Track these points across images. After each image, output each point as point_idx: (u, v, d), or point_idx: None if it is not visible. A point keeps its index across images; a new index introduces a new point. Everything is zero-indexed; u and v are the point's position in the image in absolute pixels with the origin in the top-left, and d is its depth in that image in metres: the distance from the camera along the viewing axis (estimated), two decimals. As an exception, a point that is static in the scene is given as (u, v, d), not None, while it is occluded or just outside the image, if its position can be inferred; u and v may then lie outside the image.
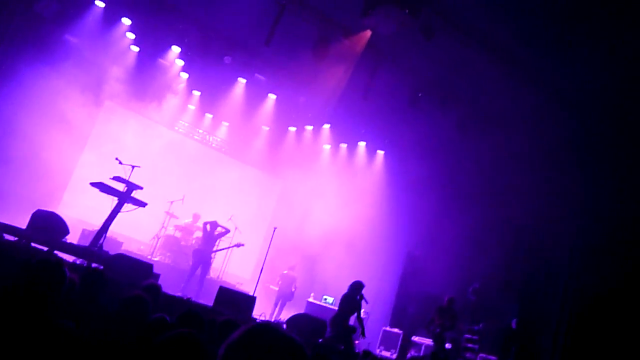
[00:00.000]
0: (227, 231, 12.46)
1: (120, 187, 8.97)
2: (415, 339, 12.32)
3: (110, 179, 8.87)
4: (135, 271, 7.46)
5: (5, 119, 11.64)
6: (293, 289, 13.24)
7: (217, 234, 12.17)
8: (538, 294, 11.26)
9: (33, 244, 7.71)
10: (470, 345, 11.76)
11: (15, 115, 11.58)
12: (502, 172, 12.27)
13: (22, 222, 8.03)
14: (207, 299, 9.69)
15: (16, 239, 7.76)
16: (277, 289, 13.34)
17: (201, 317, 3.50)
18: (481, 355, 11.12)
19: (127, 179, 9.02)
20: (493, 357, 11.00)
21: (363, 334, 9.86)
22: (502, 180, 12.32)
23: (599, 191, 10.43)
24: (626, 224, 9.59)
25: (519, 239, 12.06)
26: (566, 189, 10.71)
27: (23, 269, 2.93)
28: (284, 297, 13.17)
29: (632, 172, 9.93)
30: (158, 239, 13.15)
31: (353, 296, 9.56)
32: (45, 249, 7.72)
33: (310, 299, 13.20)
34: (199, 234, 12.88)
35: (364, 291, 9.74)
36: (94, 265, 7.69)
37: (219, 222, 12.27)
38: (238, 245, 12.49)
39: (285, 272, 13.46)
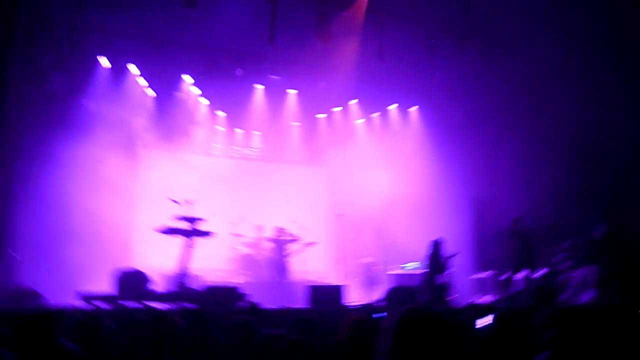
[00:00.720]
0: (294, 234, 12.59)
1: (184, 225, 9.18)
2: (505, 276, 12.18)
3: (173, 219, 9.08)
4: (229, 297, 7.66)
5: (61, 197, 11.98)
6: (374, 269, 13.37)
7: (285, 240, 12.33)
8: (621, 197, 10.97)
9: (124, 302, 7.98)
10: (564, 264, 11.56)
11: (67, 192, 11.92)
12: (541, 86, 11.96)
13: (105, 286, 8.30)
14: (298, 302, 9.83)
15: (111, 306, 8.01)
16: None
17: (316, 323, 3.56)
18: (580, 270, 10.92)
19: (188, 215, 9.21)
20: (591, 269, 10.78)
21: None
22: (543, 94, 12.01)
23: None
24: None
25: (577, 147, 11.73)
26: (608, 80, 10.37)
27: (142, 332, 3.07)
28: (369, 282, 13.26)
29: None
30: (233, 261, 13.39)
31: (435, 255, 9.54)
32: (139, 305, 7.96)
33: (392, 271, 13.22)
34: (269, 244, 13.05)
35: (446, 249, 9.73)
36: (188, 305, 7.91)
37: (285, 229, 12.44)
38: (310, 244, 12.62)
39: (363, 260, 13.60)
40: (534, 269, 10.45)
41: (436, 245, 9.61)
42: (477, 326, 4.94)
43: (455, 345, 1.51)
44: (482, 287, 12.58)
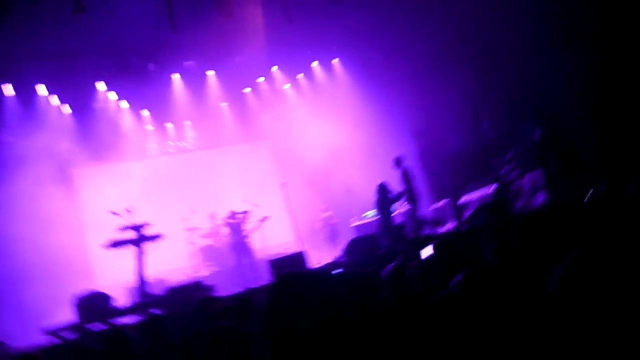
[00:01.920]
0: (247, 212, 12.51)
1: (131, 234, 8.98)
2: (462, 200, 12.41)
3: (116, 231, 8.86)
4: (191, 294, 7.54)
5: (4, 238, 11.54)
6: (333, 222, 13.46)
7: (240, 220, 12.22)
8: (547, 98, 11.15)
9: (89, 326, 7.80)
10: (512, 175, 11.80)
11: (8, 232, 11.49)
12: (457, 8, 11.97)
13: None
14: (266, 279, 9.81)
15: (76, 334, 7.83)
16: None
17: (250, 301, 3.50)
18: (527, 176, 11.16)
19: (131, 224, 9.00)
20: (537, 172, 11.02)
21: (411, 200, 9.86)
22: (462, 15, 12.02)
23: None
24: None
25: (507, 60, 11.81)
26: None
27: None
28: (332, 236, 13.33)
29: None
30: (194, 255, 13.24)
31: (383, 197, 9.60)
32: (105, 325, 7.80)
33: (353, 223, 13.31)
34: (226, 229, 12.92)
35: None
36: (154, 311, 7.77)
37: (235, 210, 12.31)
38: (264, 220, 12.57)
39: (322, 215, 13.67)
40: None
41: (381, 189, 9.66)
42: (422, 257, 4.99)
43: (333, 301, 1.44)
44: (441, 216, 12.78)
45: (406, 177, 10.38)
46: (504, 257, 3.48)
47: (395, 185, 10.85)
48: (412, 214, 10.68)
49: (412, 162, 14.00)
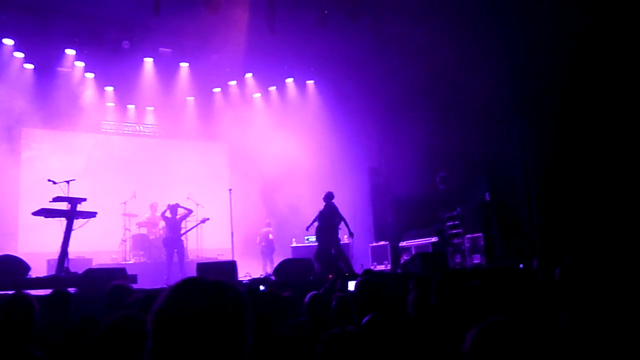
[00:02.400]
0: (190, 211, 12.32)
1: (64, 206, 8.69)
2: (402, 244, 12.54)
3: (50, 201, 8.56)
4: (110, 280, 7.30)
5: None
6: (270, 238, 13.31)
7: (180, 217, 12.01)
8: (500, 162, 11.45)
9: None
10: (454, 231, 12.01)
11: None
12: (431, 60, 12.23)
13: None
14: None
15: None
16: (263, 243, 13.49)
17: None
18: (467, 236, 11.38)
19: (67, 195, 8.72)
20: (479, 234, 11.26)
21: (350, 233, 10.11)
22: (433, 68, 12.30)
23: (524, 44, 10.47)
24: (562, 63, 9.64)
25: (468, 118, 12.10)
26: (492, 51, 10.75)
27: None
28: (267, 252, 13.26)
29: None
30: (125, 242, 12.92)
31: (325, 226, 9.63)
32: (12, 292, 7.48)
33: (293, 244, 13.25)
34: (163, 223, 12.66)
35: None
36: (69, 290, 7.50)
37: (180, 204, 12.10)
38: (204, 221, 12.41)
39: (263, 230, 13.59)
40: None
41: (328, 196, 9.77)
42: (349, 289, 5.00)
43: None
44: (376, 255, 12.87)
45: (332, 212, 10.48)
46: (423, 308, 3.51)
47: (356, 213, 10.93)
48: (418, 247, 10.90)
49: (361, 197, 14.18)
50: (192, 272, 9.72)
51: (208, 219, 12.45)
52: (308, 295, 3.93)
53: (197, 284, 1.39)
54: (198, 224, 12.64)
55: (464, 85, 11.38)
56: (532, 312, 2.96)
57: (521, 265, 7.23)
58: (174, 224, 11.79)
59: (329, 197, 10.57)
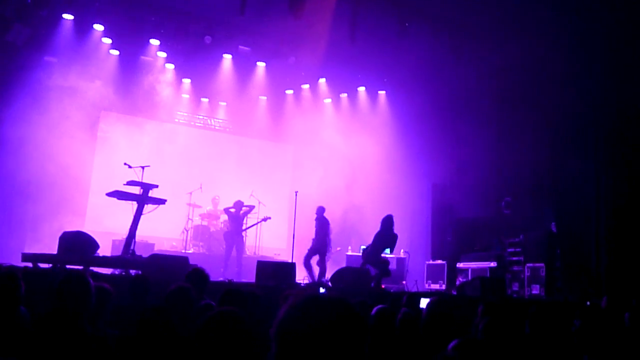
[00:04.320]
0: (252, 207, 12.51)
1: (137, 190, 8.99)
2: (460, 265, 12.34)
3: (124, 184, 8.88)
4: (172, 267, 7.51)
5: (18, 147, 11.62)
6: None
7: (243, 213, 12.21)
8: (571, 193, 11.13)
9: (68, 267, 7.79)
10: (515, 258, 11.74)
11: (25, 141, 11.59)
12: (506, 82, 12.04)
13: (55, 248, 8.10)
14: (249, 277, 9.78)
15: (50, 265, 7.83)
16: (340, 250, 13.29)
17: (242, 294, 3.48)
18: (528, 265, 11.10)
19: (140, 180, 9.02)
20: (540, 264, 10.96)
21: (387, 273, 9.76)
22: (509, 90, 12.11)
23: (610, 79, 10.17)
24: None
25: (540, 144, 11.83)
26: (577, 76, 10.49)
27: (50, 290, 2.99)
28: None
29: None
30: (187, 231, 13.24)
31: (386, 231, 9.59)
32: (80, 267, 7.79)
33: (349, 252, 13.25)
34: (225, 217, 12.91)
35: (396, 229, 9.79)
36: (132, 272, 7.76)
37: (243, 202, 12.32)
38: (265, 219, 12.54)
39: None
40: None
41: (387, 220, 9.71)
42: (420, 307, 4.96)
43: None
44: (432, 274, 12.71)
45: (322, 226, 10.68)
46: (494, 336, 3.45)
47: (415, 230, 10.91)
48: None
49: (422, 213, 14.04)
50: (251, 267, 9.85)
51: (270, 217, 12.59)
52: (377, 307, 3.92)
53: (322, 302, 1.44)
54: (260, 222, 12.80)
55: (542, 109, 11.15)
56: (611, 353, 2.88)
57: (588, 303, 7.00)
58: (237, 219, 12.00)
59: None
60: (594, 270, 10.33)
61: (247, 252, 12.81)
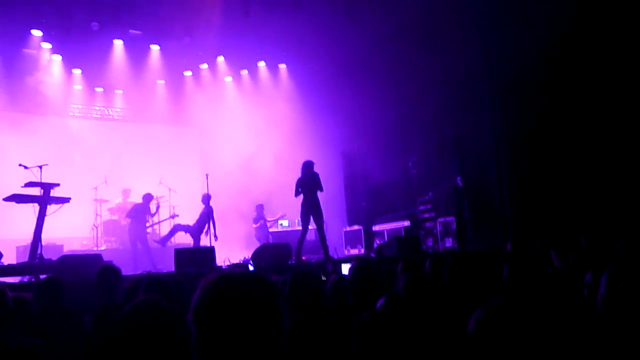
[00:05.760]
0: (159, 199, 12.32)
1: (37, 191, 8.51)
2: (375, 228, 12.67)
3: (22, 187, 8.38)
4: (85, 266, 7.21)
5: None
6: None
7: (152, 204, 11.95)
8: (472, 146, 11.61)
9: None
10: (426, 215, 12.17)
11: None
12: (403, 43, 12.31)
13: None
14: (169, 266, 9.57)
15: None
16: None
17: (164, 283, 3.40)
18: (439, 220, 11.55)
19: (39, 181, 8.54)
20: (451, 217, 11.44)
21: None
22: (406, 51, 12.37)
23: (500, 27, 10.59)
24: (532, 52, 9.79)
25: (440, 101, 12.21)
26: (467, 33, 10.88)
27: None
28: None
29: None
30: (97, 228, 12.73)
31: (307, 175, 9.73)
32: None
33: (270, 230, 13.27)
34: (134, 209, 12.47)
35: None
36: (42, 277, 7.38)
37: (150, 194, 11.99)
38: (173, 217, 12.43)
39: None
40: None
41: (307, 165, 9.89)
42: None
43: None
44: (350, 240, 12.98)
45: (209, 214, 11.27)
46: (415, 291, 3.58)
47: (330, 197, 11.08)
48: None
49: (335, 182, 14.23)
50: (168, 258, 9.64)
51: (177, 215, 12.47)
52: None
53: (230, 278, 1.46)
54: (167, 219, 12.63)
55: (437, 68, 11.50)
56: (533, 295, 3.06)
57: (509, 249, 7.35)
58: (146, 211, 11.73)
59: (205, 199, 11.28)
60: (500, 218, 10.87)
61: (173, 242, 12.49)
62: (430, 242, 11.95)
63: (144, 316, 1.90)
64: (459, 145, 11.71)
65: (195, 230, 11.61)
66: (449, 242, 11.43)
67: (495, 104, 10.92)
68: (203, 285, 1.45)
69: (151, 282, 3.31)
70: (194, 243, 11.52)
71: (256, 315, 1.42)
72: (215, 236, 10.99)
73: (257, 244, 11.25)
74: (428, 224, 12.17)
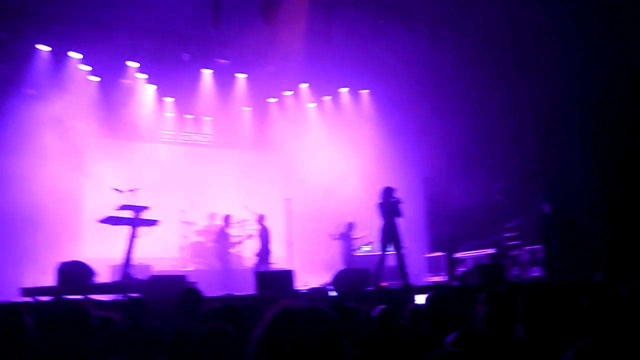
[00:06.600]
0: (243, 221, 12.65)
1: (129, 214, 8.97)
2: (458, 255, 12.37)
3: (116, 209, 8.85)
4: (170, 287, 7.49)
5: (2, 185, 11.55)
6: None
7: (235, 226, 12.29)
8: (562, 173, 11.18)
9: (68, 297, 7.75)
10: (512, 242, 11.78)
11: (9, 178, 11.50)
12: (487, 66, 12.09)
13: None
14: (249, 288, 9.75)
15: (52, 298, 7.79)
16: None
17: (237, 309, 3.48)
18: (525, 248, 11.14)
19: (131, 204, 9.00)
20: (539, 246, 11.00)
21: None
22: (490, 77, 12.15)
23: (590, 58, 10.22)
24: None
25: (524, 128, 11.88)
26: (556, 60, 10.56)
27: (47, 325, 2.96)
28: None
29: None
30: (185, 249, 13.21)
31: (387, 200, 9.65)
32: (80, 297, 7.75)
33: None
34: (218, 231, 12.85)
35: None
36: (131, 295, 7.72)
37: (233, 215, 12.37)
38: (249, 237, 12.68)
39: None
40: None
41: (387, 191, 9.81)
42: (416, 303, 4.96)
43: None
44: (434, 266, 12.73)
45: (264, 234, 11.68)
46: (497, 325, 3.45)
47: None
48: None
49: (416, 207, 14.04)
50: (249, 280, 9.83)
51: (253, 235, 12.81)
52: (378, 308, 3.91)
53: (294, 312, 1.46)
54: (246, 238, 12.91)
55: (521, 93, 11.20)
56: (619, 330, 2.89)
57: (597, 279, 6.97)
58: (229, 233, 12.08)
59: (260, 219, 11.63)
60: (592, 248, 10.35)
61: (244, 264, 12.76)
62: (516, 271, 11.53)
63: (213, 345, 1.95)
64: (546, 171, 11.30)
65: (262, 252, 11.96)
66: (536, 272, 10.99)
67: (584, 131, 10.49)
68: (266, 318, 1.46)
69: (225, 307, 3.39)
70: (259, 265, 11.89)
71: (316, 352, 1.41)
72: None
73: (338, 266, 11.28)
74: (514, 252, 11.77)
